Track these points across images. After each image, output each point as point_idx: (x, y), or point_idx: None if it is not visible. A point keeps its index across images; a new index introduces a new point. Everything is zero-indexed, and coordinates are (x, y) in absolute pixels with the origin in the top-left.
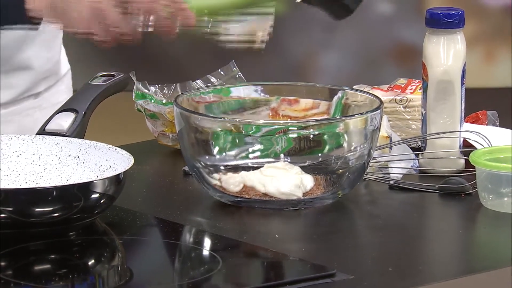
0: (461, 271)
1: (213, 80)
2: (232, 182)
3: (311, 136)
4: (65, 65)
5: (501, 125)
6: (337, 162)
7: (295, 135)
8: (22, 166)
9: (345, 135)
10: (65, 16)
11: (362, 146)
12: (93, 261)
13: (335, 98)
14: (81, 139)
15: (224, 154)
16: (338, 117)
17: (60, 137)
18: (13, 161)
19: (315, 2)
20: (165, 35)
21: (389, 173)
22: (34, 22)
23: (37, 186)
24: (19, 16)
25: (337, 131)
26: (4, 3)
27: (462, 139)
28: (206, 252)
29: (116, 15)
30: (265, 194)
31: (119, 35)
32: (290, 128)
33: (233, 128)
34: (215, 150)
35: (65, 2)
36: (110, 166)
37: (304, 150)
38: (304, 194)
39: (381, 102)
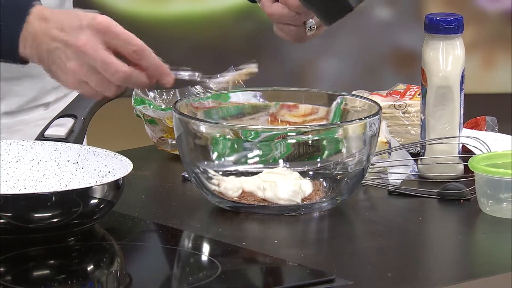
0: (460, 276)
1: (212, 85)
2: (231, 188)
3: (310, 141)
4: None
5: (500, 131)
6: (336, 167)
7: (294, 141)
8: (21, 172)
9: (344, 141)
10: (52, 73)
11: (361, 152)
12: (92, 266)
13: (334, 103)
14: (80, 145)
15: (223, 159)
16: (337, 122)
17: (59, 143)
18: (12, 167)
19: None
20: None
21: (388, 179)
22: (24, 62)
23: (36, 191)
24: (11, 55)
25: (336, 136)
26: None
27: (461, 145)
28: (205, 257)
29: (97, 81)
30: (264, 200)
31: (104, 95)
32: (289, 134)
33: (232, 134)
34: (214, 155)
35: (52, 60)
36: (109, 172)
37: (303, 156)
38: (303, 200)
39: (380, 108)
